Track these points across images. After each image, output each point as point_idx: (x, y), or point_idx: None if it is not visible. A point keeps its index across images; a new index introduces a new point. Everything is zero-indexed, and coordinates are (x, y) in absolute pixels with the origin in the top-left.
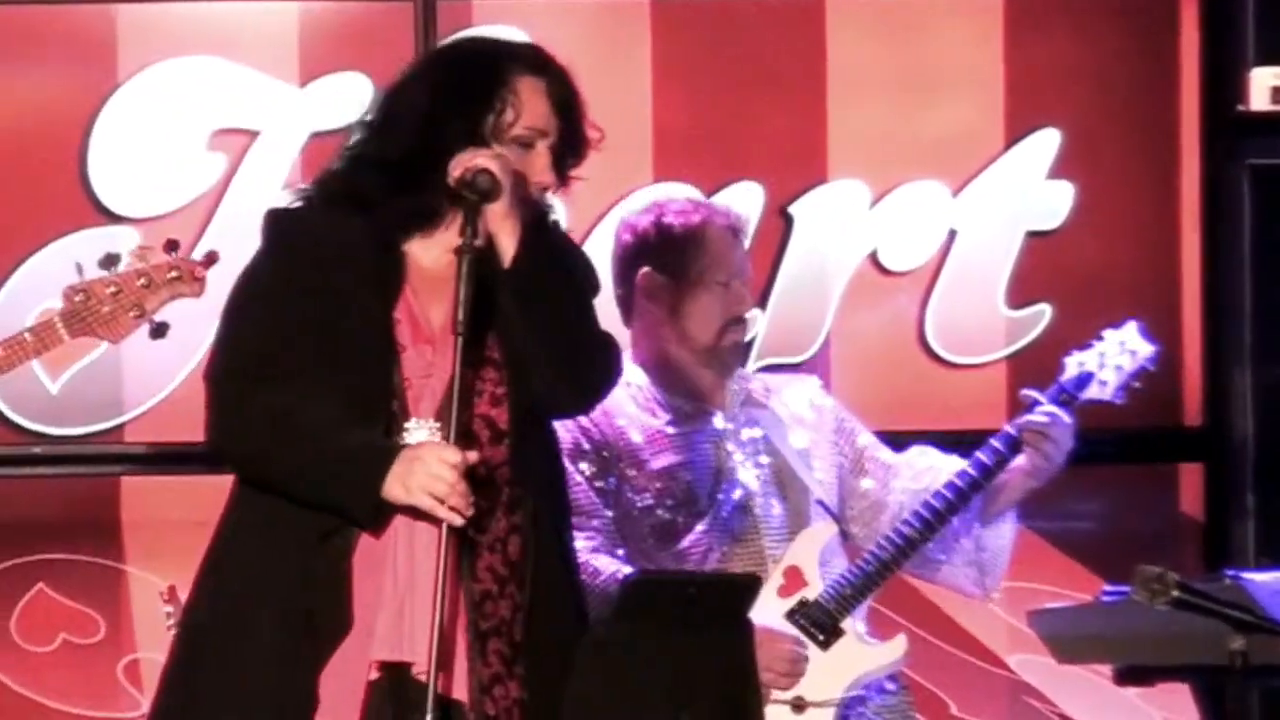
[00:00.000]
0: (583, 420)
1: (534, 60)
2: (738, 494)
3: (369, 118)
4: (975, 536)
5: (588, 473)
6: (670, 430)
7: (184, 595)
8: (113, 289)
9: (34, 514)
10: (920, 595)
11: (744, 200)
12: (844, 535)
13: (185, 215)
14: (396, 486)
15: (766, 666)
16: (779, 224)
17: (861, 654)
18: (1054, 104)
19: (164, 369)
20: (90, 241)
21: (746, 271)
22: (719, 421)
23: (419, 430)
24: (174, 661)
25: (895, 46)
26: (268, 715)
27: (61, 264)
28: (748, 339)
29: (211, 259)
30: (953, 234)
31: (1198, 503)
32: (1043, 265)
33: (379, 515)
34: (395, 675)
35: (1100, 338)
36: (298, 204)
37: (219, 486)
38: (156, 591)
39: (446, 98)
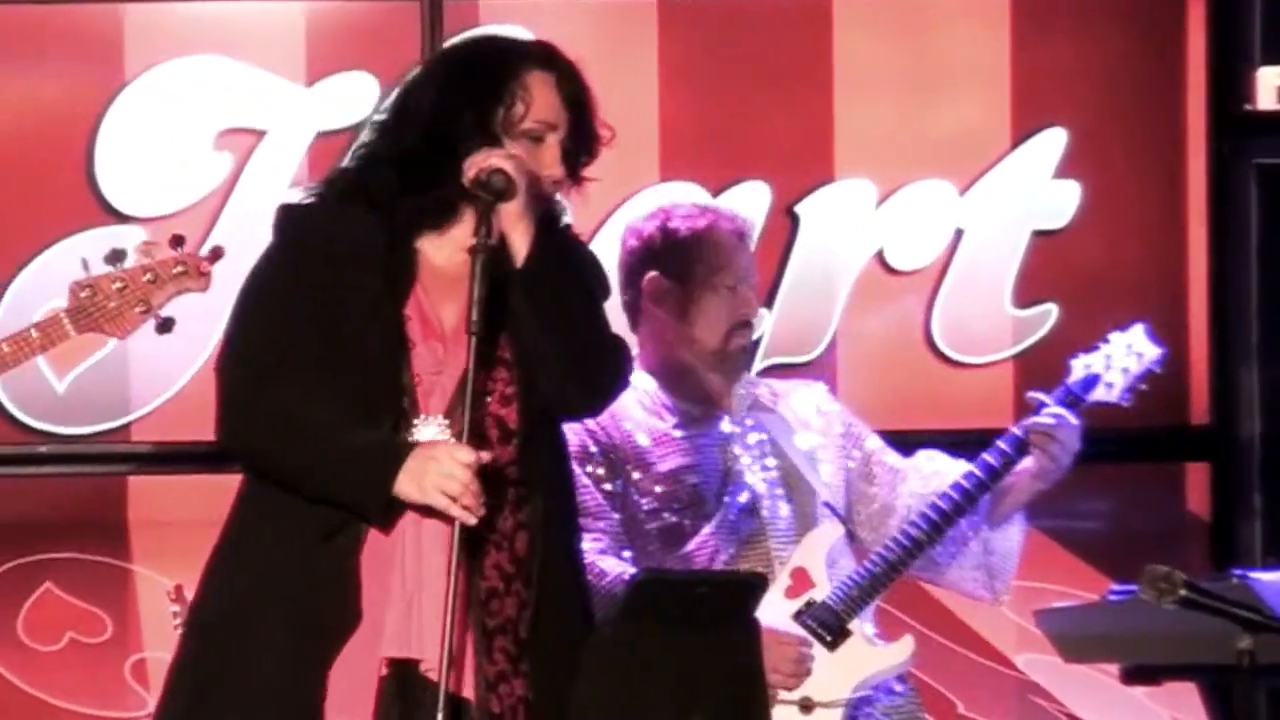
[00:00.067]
0: (590, 423)
1: (543, 55)
2: (745, 497)
3: (379, 116)
4: (983, 540)
5: (595, 475)
6: (677, 433)
7: (191, 594)
8: (119, 284)
9: (41, 513)
10: (928, 595)
11: (750, 199)
12: (851, 538)
13: (192, 215)
14: (410, 485)
15: (773, 667)
16: (785, 223)
17: (869, 655)
18: (1061, 103)
19: (170, 368)
20: (97, 241)
21: (753, 275)
22: (726, 425)
23: (428, 427)
24: (181, 659)
25: (902, 46)
26: (275, 713)
27: (68, 263)
28: (754, 340)
29: (217, 254)
30: (959, 233)
31: (1204, 502)
32: (1049, 264)
33: (389, 513)
34: (403, 672)
35: (1107, 340)
36: (310, 200)
37: (226, 486)
38: (163, 591)
39: (455, 93)
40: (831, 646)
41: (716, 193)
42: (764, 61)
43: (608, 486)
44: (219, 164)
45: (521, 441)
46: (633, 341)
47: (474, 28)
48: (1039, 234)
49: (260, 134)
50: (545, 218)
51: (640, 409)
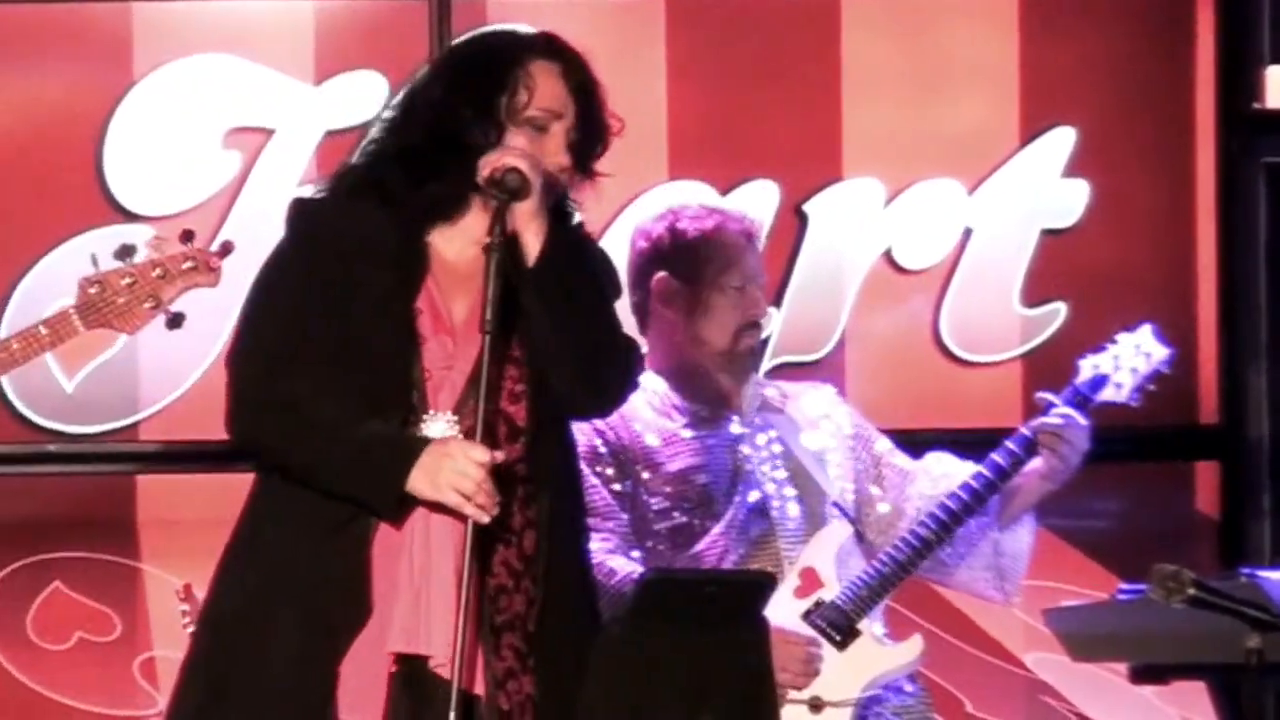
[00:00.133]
0: (599, 424)
1: (547, 44)
2: (754, 497)
3: (387, 114)
4: (993, 541)
5: (604, 476)
6: (687, 434)
7: (200, 593)
8: (128, 280)
9: (49, 512)
10: (937, 594)
11: (759, 198)
12: (860, 538)
13: (201, 213)
14: (423, 481)
15: (782, 666)
16: (794, 222)
17: (878, 655)
18: (1069, 102)
19: (179, 367)
20: (106, 239)
21: (761, 276)
22: (735, 425)
23: (436, 422)
24: (193, 658)
25: (910, 44)
26: (287, 708)
27: (77, 262)
28: (763, 340)
29: (227, 249)
30: (968, 232)
31: (1213, 501)
32: (1058, 263)
33: (402, 508)
34: (412, 669)
35: (1115, 340)
36: (321, 194)
37: (235, 485)
38: (172, 590)
39: (460, 84)
40: (840, 646)
41: (724, 192)
42: (772, 60)
43: (617, 487)
44: (228, 163)
45: (530, 439)
46: (642, 343)
47: (482, 26)
48: (1047, 233)
49: (269, 133)
50: (557, 216)
51: (649, 409)
